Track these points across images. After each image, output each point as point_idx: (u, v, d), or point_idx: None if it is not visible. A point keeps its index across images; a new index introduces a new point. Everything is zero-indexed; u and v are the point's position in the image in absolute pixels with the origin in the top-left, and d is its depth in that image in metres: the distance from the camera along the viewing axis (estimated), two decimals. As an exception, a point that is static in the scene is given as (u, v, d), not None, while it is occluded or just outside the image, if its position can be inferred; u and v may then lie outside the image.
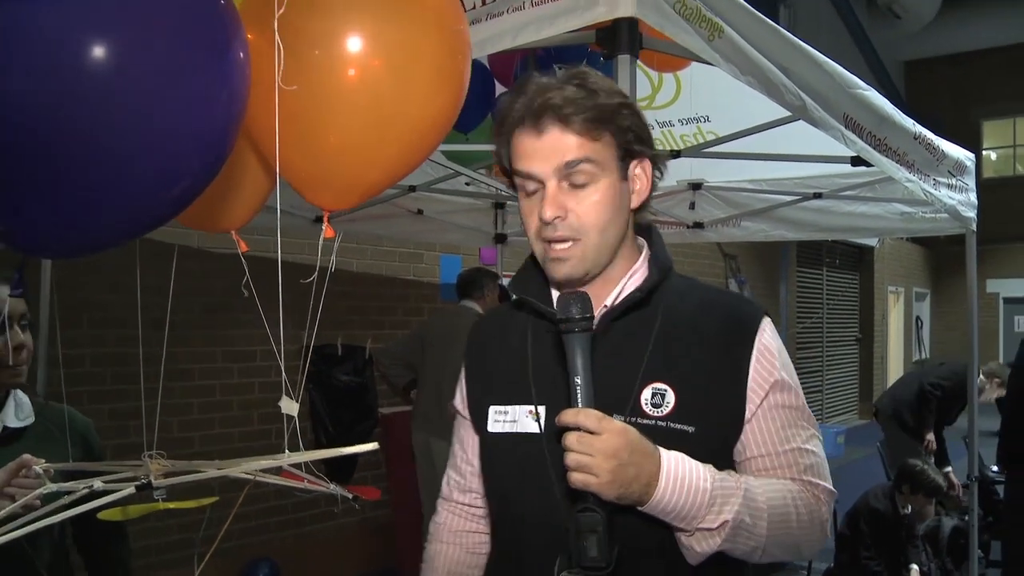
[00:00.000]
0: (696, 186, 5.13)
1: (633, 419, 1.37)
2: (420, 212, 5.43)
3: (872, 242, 14.39)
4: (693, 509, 1.30)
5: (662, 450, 1.31)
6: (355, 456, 4.74)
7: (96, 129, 1.00)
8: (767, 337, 1.46)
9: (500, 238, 6.12)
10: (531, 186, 1.42)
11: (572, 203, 1.39)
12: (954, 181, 3.93)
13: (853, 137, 2.82)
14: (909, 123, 3.31)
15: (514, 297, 1.61)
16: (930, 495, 5.15)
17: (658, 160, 1.49)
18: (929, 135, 3.52)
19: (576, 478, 1.25)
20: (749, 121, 3.80)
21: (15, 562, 1.82)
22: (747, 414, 1.43)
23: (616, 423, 1.27)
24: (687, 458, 1.32)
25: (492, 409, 1.54)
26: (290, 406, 1.47)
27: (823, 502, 1.45)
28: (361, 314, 6.28)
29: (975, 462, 4.75)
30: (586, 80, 1.39)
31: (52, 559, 1.90)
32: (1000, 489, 6.10)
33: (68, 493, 1.34)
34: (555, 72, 1.43)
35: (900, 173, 3.24)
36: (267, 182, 1.61)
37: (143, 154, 1.05)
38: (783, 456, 1.44)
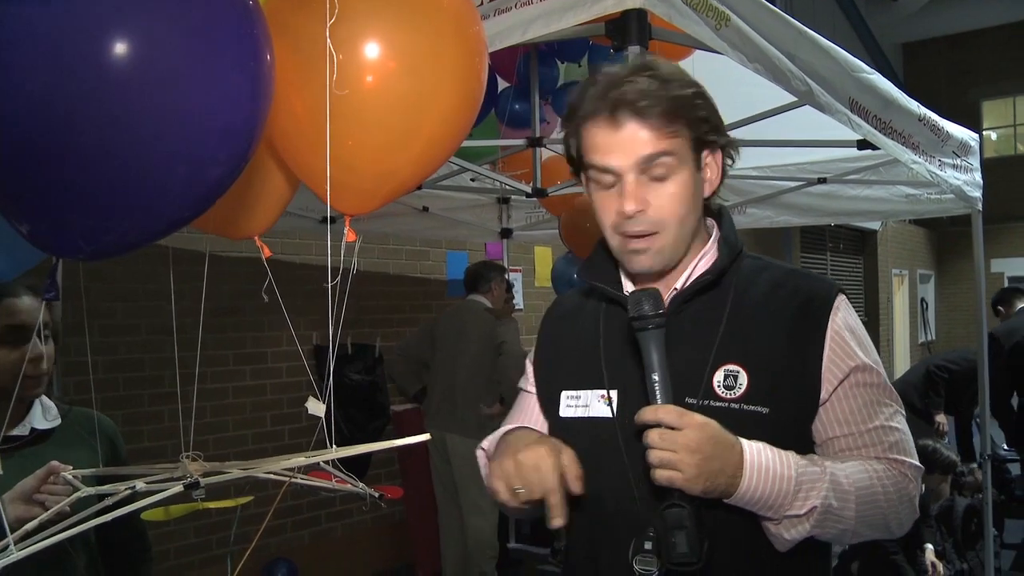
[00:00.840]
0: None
1: (706, 402, 1.38)
2: (426, 209, 5.44)
3: (875, 225, 14.37)
4: (780, 497, 1.30)
5: (743, 440, 1.31)
6: (369, 453, 4.78)
7: (122, 127, 1.01)
8: (841, 316, 1.44)
9: (506, 233, 6.13)
10: (608, 179, 1.41)
11: (651, 196, 1.39)
12: (959, 161, 3.93)
13: (859, 121, 2.83)
14: (914, 105, 3.32)
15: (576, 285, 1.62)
16: (945, 471, 5.14)
17: (729, 148, 1.48)
18: (933, 116, 3.53)
19: (661, 475, 1.25)
20: (753, 108, 3.80)
21: (56, 566, 1.84)
22: (823, 395, 1.42)
23: (697, 417, 1.27)
24: (768, 446, 1.32)
25: (564, 394, 1.55)
26: (317, 407, 1.49)
27: (910, 479, 1.43)
28: (369, 313, 6.29)
29: (987, 441, 4.77)
30: (658, 71, 1.38)
31: (89, 562, 1.91)
32: (1012, 468, 6.14)
33: (109, 495, 1.35)
34: (622, 60, 1.43)
35: (906, 155, 3.25)
36: (288, 188, 1.63)
37: (169, 151, 1.06)
38: (867, 435, 1.43)
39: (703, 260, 1.49)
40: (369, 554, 6.14)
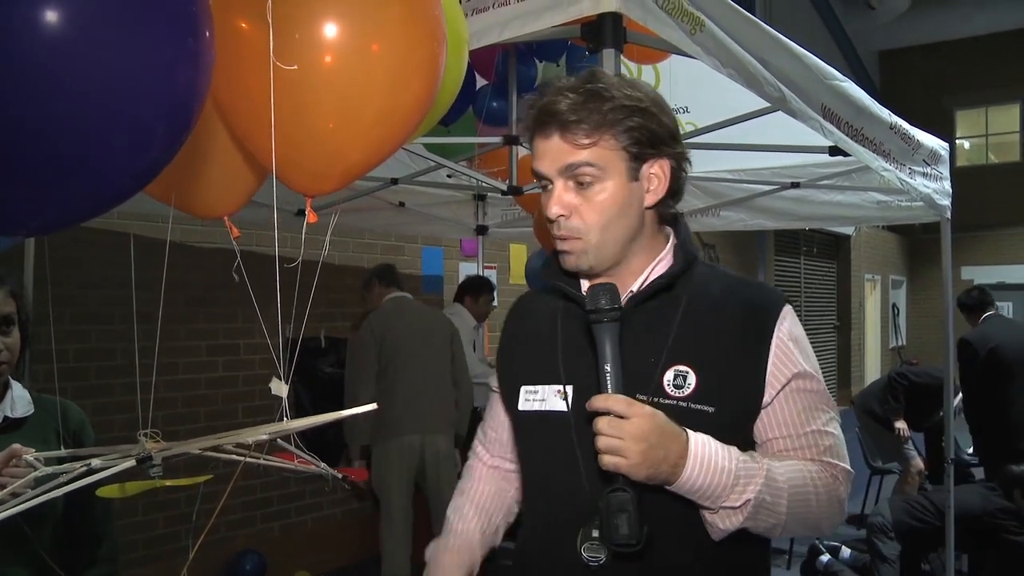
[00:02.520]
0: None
1: (656, 399, 1.44)
2: (402, 204, 5.45)
3: (848, 230, 14.53)
4: (718, 488, 1.36)
5: (689, 432, 1.37)
6: (341, 446, 4.78)
7: (56, 98, 1.01)
8: (787, 325, 1.52)
9: (481, 230, 6.15)
10: (544, 184, 1.51)
11: (577, 201, 1.47)
12: (929, 170, 3.99)
13: (831, 127, 2.88)
14: (885, 113, 3.37)
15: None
16: None
17: (679, 159, 1.53)
18: (904, 125, 3.58)
19: (607, 460, 1.32)
20: (728, 112, 3.85)
21: (16, 548, 1.85)
22: (765, 398, 1.49)
23: (645, 408, 1.33)
24: (712, 440, 1.38)
25: (523, 388, 1.61)
26: (280, 387, 1.51)
27: (841, 481, 1.51)
28: (343, 306, 6.29)
29: (951, 446, 4.84)
30: (594, 85, 1.45)
31: (53, 546, 1.91)
32: (976, 472, 6.23)
33: (64, 473, 1.36)
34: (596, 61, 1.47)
35: (877, 162, 3.30)
36: (253, 169, 1.64)
37: (105, 122, 1.06)
38: (803, 438, 1.51)
39: (660, 264, 1.56)
40: (339, 547, 6.14)
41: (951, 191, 4.30)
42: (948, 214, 4.37)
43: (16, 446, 1.64)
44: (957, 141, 18.81)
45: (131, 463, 1.29)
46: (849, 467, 1.54)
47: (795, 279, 14.43)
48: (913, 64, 19.08)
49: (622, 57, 2.13)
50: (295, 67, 1.31)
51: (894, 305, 18.28)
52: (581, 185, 1.46)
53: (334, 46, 1.35)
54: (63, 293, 4.56)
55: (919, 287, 19.02)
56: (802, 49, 2.69)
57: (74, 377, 4.61)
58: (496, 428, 1.78)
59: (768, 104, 2.78)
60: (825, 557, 5.63)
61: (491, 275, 6.77)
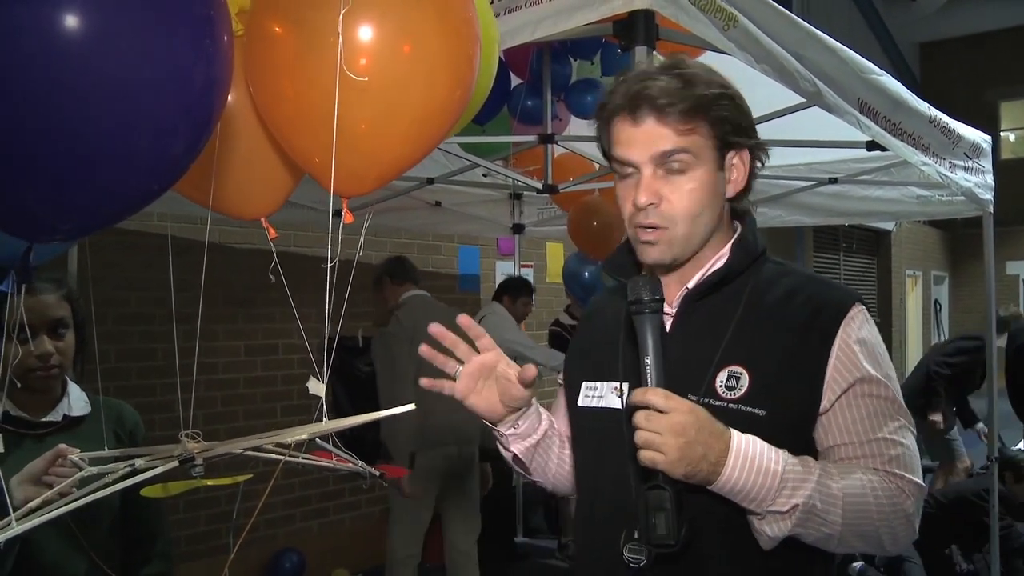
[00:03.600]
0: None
1: (707, 400, 1.39)
2: (438, 204, 5.48)
3: (889, 226, 14.33)
4: (763, 491, 1.30)
5: (734, 431, 1.32)
6: (379, 444, 4.79)
7: (80, 103, 1.03)
8: (854, 327, 1.44)
9: (518, 228, 6.17)
10: (627, 171, 1.46)
11: (666, 190, 1.42)
12: (970, 163, 3.93)
13: (868, 122, 2.84)
14: (924, 107, 3.33)
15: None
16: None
17: (758, 150, 1.50)
18: (944, 118, 3.53)
19: (644, 456, 1.28)
20: (763, 108, 3.81)
21: (74, 544, 1.89)
22: (824, 404, 1.42)
23: (684, 402, 1.29)
24: (759, 440, 1.33)
25: (584, 385, 1.60)
26: (317, 387, 1.53)
27: (907, 495, 1.41)
28: (381, 306, 6.33)
29: (995, 442, 4.76)
30: (684, 70, 1.41)
31: (109, 543, 1.95)
32: None
33: (109, 473, 1.39)
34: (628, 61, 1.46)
35: (916, 157, 3.26)
36: (289, 171, 1.66)
37: (128, 125, 1.08)
38: (868, 445, 1.42)
39: (719, 260, 1.52)
40: (377, 545, 6.16)
41: (993, 185, 4.24)
42: (991, 208, 4.31)
43: (62, 446, 1.67)
44: (1002, 134, 18.49)
45: (174, 464, 1.31)
46: (921, 481, 1.43)
47: (834, 276, 14.25)
48: (955, 56, 18.79)
49: (656, 53, 2.12)
50: (366, 79, 1.32)
51: (936, 301, 18.01)
52: (671, 172, 1.42)
53: (371, 50, 1.36)
54: (104, 295, 4.63)
55: (962, 283, 18.72)
56: (837, 43, 2.67)
57: (116, 377, 4.68)
58: (560, 424, 1.72)
59: (803, 100, 2.76)
60: (859, 563, 5.56)
61: (527, 274, 6.77)
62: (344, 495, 6.02)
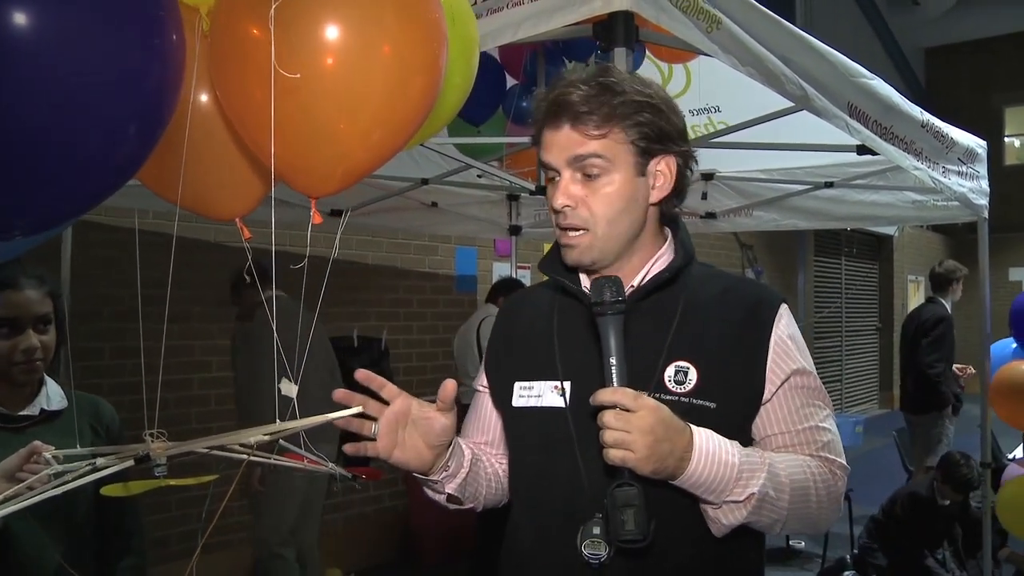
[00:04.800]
0: (708, 176, 5.15)
1: (657, 395, 1.43)
2: (434, 204, 5.47)
3: (891, 231, 14.29)
4: (722, 483, 1.36)
5: (692, 426, 1.37)
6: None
7: (30, 104, 1.04)
8: (784, 324, 1.53)
9: (515, 230, 6.15)
10: (551, 174, 1.52)
11: (584, 193, 1.48)
12: (964, 168, 3.92)
13: (857, 126, 2.84)
14: (916, 111, 3.32)
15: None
16: (959, 490, 5.07)
17: (686, 157, 1.54)
18: (937, 123, 3.52)
19: (614, 454, 1.31)
20: (759, 111, 3.81)
21: (41, 543, 1.91)
22: (765, 395, 1.50)
23: (651, 401, 1.33)
24: (715, 434, 1.39)
25: (517, 385, 1.60)
26: (289, 388, 1.53)
27: (839, 477, 1.52)
28: (377, 306, 6.34)
29: (988, 449, 4.75)
30: (607, 79, 1.47)
31: (68, 547, 1.96)
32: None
33: (71, 471, 1.40)
34: (581, 67, 1.50)
35: (907, 161, 3.25)
36: (263, 171, 1.66)
37: (79, 123, 1.09)
38: (801, 434, 1.51)
39: (660, 261, 1.57)
40: (371, 545, 6.18)
41: (988, 190, 4.22)
42: (985, 213, 4.29)
43: (36, 443, 1.68)
44: (1006, 139, 18.43)
45: (129, 463, 1.31)
46: (845, 463, 1.55)
47: (835, 280, 14.25)
48: (960, 61, 18.74)
49: (650, 55, 2.12)
50: (298, 75, 1.32)
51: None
52: (589, 177, 1.47)
53: (333, 50, 1.36)
54: (100, 292, 4.64)
55: (964, 288, 18.66)
56: (826, 46, 2.66)
57: (111, 374, 4.69)
58: (484, 430, 1.73)
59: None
60: (850, 572, 5.55)
61: (525, 275, 6.77)
62: (336, 494, 6.02)
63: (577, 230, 1.49)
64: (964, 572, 5.25)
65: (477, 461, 1.63)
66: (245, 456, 1.42)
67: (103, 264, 4.58)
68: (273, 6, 1.26)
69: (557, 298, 1.62)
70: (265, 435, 1.38)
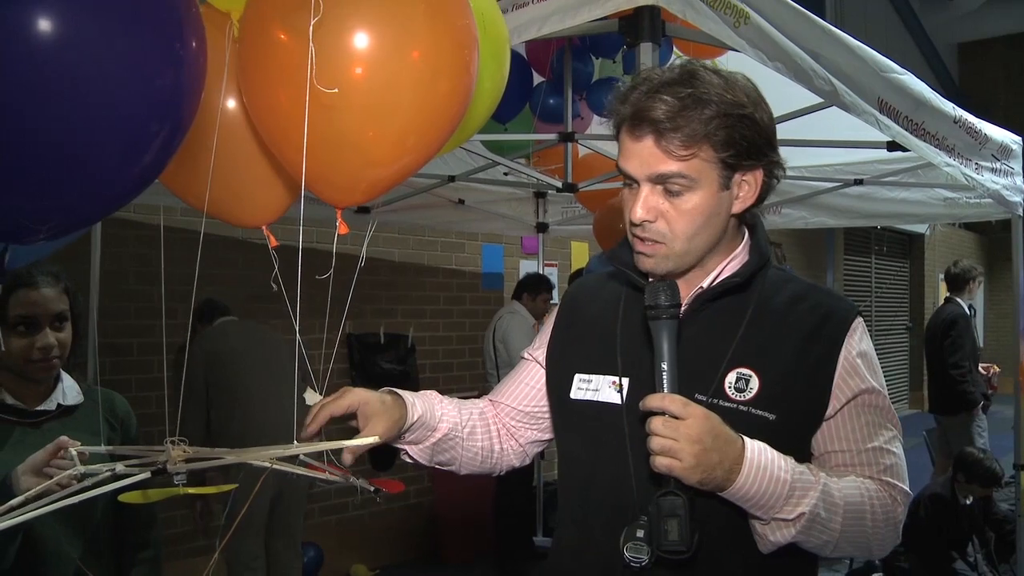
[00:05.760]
0: (736, 174, 5.10)
1: (715, 401, 1.39)
2: (461, 202, 5.48)
3: (922, 229, 14.14)
4: (772, 498, 1.31)
5: (745, 438, 1.32)
6: (394, 452, 4.78)
7: (53, 109, 1.04)
8: (857, 338, 1.47)
9: (542, 227, 6.15)
10: (628, 181, 1.44)
11: (665, 207, 1.40)
12: (998, 165, 3.86)
13: (888, 122, 2.80)
14: (948, 106, 3.27)
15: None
16: (986, 484, 5.02)
17: (775, 167, 1.46)
18: (970, 118, 3.46)
19: (660, 462, 1.27)
20: (788, 107, 3.77)
21: (62, 536, 1.94)
22: (829, 411, 1.44)
23: (701, 409, 1.28)
24: (768, 448, 1.33)
25: (577, 377, 1.57)
26: (313, 397, 1.53)
27: (899, 503, 1.45)
28: (403, 303, 6.35)
29: (1022, 449, 4.67)
30: (694, 88, 1.36)
31: (87, 539, 1.98)
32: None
33: (92, 475, 1.41)
34: (662, 68, 1.43)
35: (939, 158, 3.21)
36: (289, 180, 1.65)
37: (100, 131, 1.09)
38: (863, 454, 1.45)
39: (732, 263, 1.50)
40: (396, 542, 6.20)
41: (1023, 187, 4.15)
42: (1020, 211, 4.23)
43: (63, 438, 1.69)
44: (1042, 135, 18.16)
45: (146, 475, 1.32)
46: (908, 489, 1.48)
47: (865, 279, 14.10)
48: (995, 56, 18.45)
49: (678, 51, 2.10)
50: (336, 90, 1.30)
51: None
52: (670, 192, 1.39)
53: (365, 63, 1.35)
54: (129, 288, 4.68)
55: (998, 287, 18.38)
56: (856, 41, 2.62)
57: (138, 370, 4.73)
58: (519, 399, 1.72)
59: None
60: (878, 575, 5.49)
61: (552, 272, 6.75)
62: (363, 492, 6.03)
63: (654, 242, 1.43)
64: (996, 575, 5.18)
65: (453, 439, 1.63)
66: (267, 464, 1.42)
67: (133, 261, 4.62)
68: (312, 21, 1.24)
69: (624, 291, 1.58)
70: (281, 457, 1.38)
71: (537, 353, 1.71)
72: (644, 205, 1.40)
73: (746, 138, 1.38)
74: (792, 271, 1.63)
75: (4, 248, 1.28)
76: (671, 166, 1.37)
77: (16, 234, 1.20)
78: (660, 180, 1.39)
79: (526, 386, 1.72)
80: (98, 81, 1.05)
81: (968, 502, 5.02)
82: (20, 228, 1.18)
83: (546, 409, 1.70)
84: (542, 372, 1.70)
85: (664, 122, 1.35)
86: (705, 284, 1.48)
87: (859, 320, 1.48)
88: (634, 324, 1.52)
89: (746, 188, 1.44)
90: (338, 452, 1.53)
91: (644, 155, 1.38)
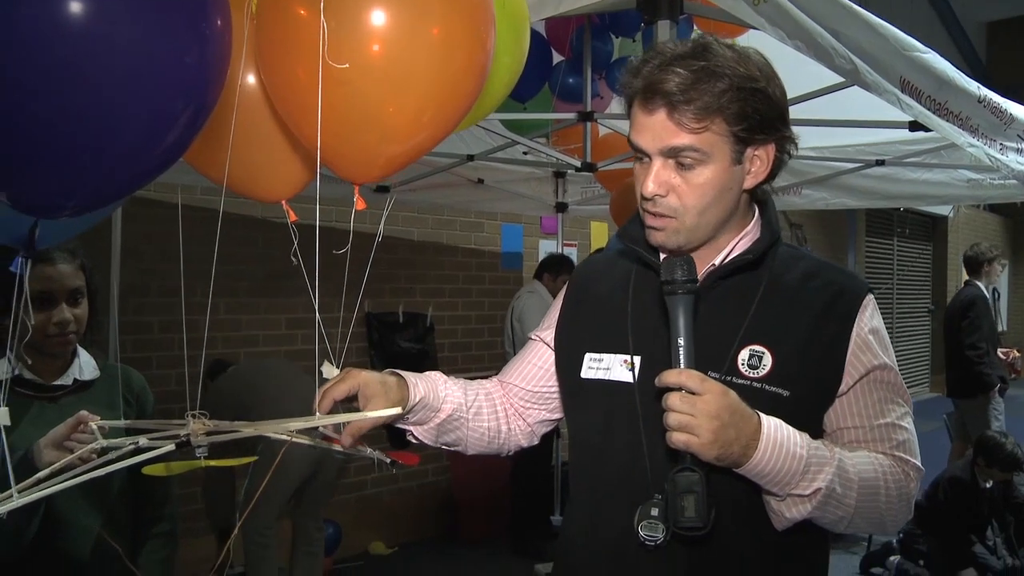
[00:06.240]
0: (757, 154, 5.06)
1: (728, 378, 1.39)
2: (481, 181, 5.46)
3: (945, 211, 14.01)
4: (788, 474, 1.31)
5: (761, 414, 1.32)
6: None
7: (82, 85, 1.05)
8: (868, 315, 1.47)
9: (561, 207, 6.13)
10: (640, 155, 1.44)
11: (676, 181, 1.40)
12: None
13: (910, 101, 2.76)
14: (973, 86, 3.22)
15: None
16: (1007, 469, 4.99)
17: (785, 141, 1.46)
18: (995, 98, 3.41)
19: (677, 438, 1.27)
20: (808, 87, 3.73)
21: (80, 511, 1.97)
22: (842, 387, 1.45)
23: (718, 384, 1.29)
24: (784, 424, 1.33)
25: (588, 356, 1.57)
26: (331, 371, 1.53)
27: (912, 479, 1.46)
28: (422, 282, 6.36)
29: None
30: (708, 61, 1.35)
31: (105, 514, 2.01)
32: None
33: (115, 449, 1.43)
34: (677, 42, 1.43)
35: (962, 138, 3.16)
36: (307, 155, 1.65)
37: (128, 106, 1.10)
38: (876, 430, 1.45)
39: (744, 239, 1.50)
40: (414, 520, 6.23)
41: (1049, 168, 4.10)
42: (1046, 193, 4.18)
43: (83, 413, 1.71)
44: (1070, 117, 17.85)
45: (171, 447, 1.33)
46: (920, 465, 1.48)
47: (887, 261, 13.99)
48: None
49: (697, 30, 2.08)
50: (347, 66, 1.30)
51: (994, 289, 17.53)
52: (682, 166, 1.39)
53: (381, 37, 1.34)
54: (149, 267, 4.71)
55: (1023, 271, 18.22)
56: (878, 19, 2.59)
57: (159, 348, 4.77)
58: (526, 380, 1.72)
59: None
60: (896, 558, 5.47)
61: (571, 253, 6.75)
62: (381, 468, 6.08)
63: (664, 216, 1.43)
64: (1016, 559, 5.15)
65: (458, 419, 1.63)
66: (287, 438, 1.43)
67: (153, 239, 4.65)
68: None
69: (634, 269, 1.58)
70: (303, 428, 1.38)
71: (545, 334, 1.72)
72: (656, 179, 1.40)
73: (759, 112, 1.38)
74: (811, 251, 1.62)
75: (34, 224, 1.30)
76: (683, 139, 1.37)
77: (44, 209, 1.21)
78: (672, 153, 1.38)
79: (534, 366, 1.72)
80: (127, 58, 1.06)
81: (988, 486, 4.99)
82: (48, 203, 1.19)
83: (554, 389, 1.71)
84: (550, 352, 1.70)
85: (677, 95, 1.35)
86: (717, 261, 1.48)
87: (870, 297, 1.49)
88: (645, 301, 1.52)
89: (758, 163, 1.44)
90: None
91: (656, 128, 1.38)
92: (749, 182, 1.45)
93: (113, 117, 1.08)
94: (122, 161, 1.15)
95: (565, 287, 1.73)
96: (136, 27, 1.06)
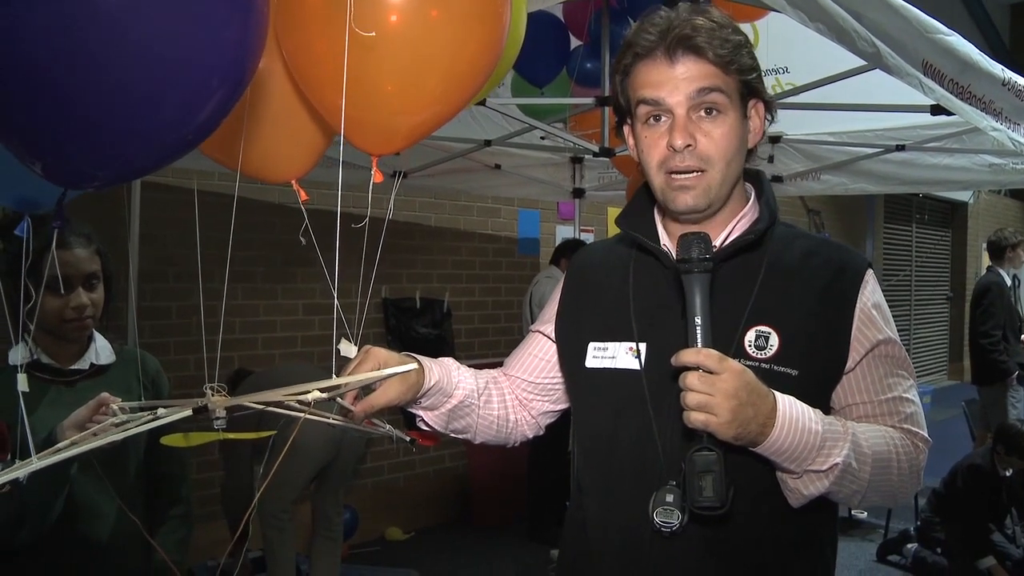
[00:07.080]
0: (775, 139, 5.03)
1: (737, 360, 1.37)
2: (498, 167, 5.44)
3: (965, 196, 13.88)
4: (805, 451, 1.32)
5: (776, 392, 1.32)
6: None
7: (120, 58, 1.05)
8: (870, 290, 1.48)
9: (578, 192, 6.10)
10: (657, 115, 1.45)
11: (700, 133, 1.42)
12: (1048, 130, 3.75)
13: (932, 84, 2.72)
14: (997, 68, 3.17)
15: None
16: None
17: (771, 105, 1.51)
18: (1021, 81, 3.36)
19: (696, 418, 1.26)
20: (829, 71, 3.70)
21: (97, 493, 2.00)
22: (849, 363, 1.45)
23: (736, 363, 1.28)
24: (798, 401, 1.34)
25: (592, 345, 1.56)
26: (349, 349, 1.53)
27: (921, 450, 1.47)
28: (439, 268, 6.36)
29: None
30: (711, 15, 1.43)
31: (122, 495, 2.03)
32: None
33: (134, 420, 1.45)
34: (668, 9, 1.46)
35: (985, 122, 3.12)
36: (320, 132, 1.65)
37: (165, 79, 1.10)
38: (883, 404, 1.47)
39: (743, 220, 1.51)
40: (431, 505, 6.26)
41: (1072, 153, 4.05)
42: (1068, 178, 4.13)
43: (105, 395, 1.74)
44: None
45: (188, 412, 1.33)
46: (928, 436, 1.49)
47: (906, 247, 13.89)
48: (1047, 18, 17.94)
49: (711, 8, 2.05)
50: (373, 34, 1.29)
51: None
52: (708, 114, 1.42)
53: (401, 6, 1.33)
54: (166, 253, 4.73)
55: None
56: (901, 1, 2.55)
57: (177, 333, 4.79)
58: (529, 372, 1.73)
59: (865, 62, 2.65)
60: (913, 545, 5.45)
61: (588, 238, 6.72)
62: (399, 454, 6.10)
63: (693, 172, 1.43)
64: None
65: (469, 406, 1.63)
66: (303, 414, 1.43)
67: (171, 224, 4.66)
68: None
69: (633, 255, 1.58)
70: (323, 389, 1.38)
71: (545, 327, 1.71)
72: (683, 130, 1.41)
73: (754, 68, 1.45)
74: (829, 237, 1.62)
75: (63, 193, 1.31)
76: (713, 79, 1.40)
77: (74, 180, 1.22)
78: (701, 95, 1.40)
79: (535, 358, 1.72)
80: (165, 31, 1.06)
81: (1008, 474, 4.96)
82: (79, 174, 1.19)
83: (556, 381, 1.71)
84: (551, 344, 1.70)
85: (699, 36, 1.39)
86: (718, 243, 1.48)
87: (870, 272, 1.50)
88: (647, 287, 1.52)
89: (755, 121, 1.49)
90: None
91: (682, 76, 1.41)
92: (751, 140, 1.49)
93: (150, 90, 1.09)
94: (158, 135, 1.16)
95: (563, 279, 1.72)
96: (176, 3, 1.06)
